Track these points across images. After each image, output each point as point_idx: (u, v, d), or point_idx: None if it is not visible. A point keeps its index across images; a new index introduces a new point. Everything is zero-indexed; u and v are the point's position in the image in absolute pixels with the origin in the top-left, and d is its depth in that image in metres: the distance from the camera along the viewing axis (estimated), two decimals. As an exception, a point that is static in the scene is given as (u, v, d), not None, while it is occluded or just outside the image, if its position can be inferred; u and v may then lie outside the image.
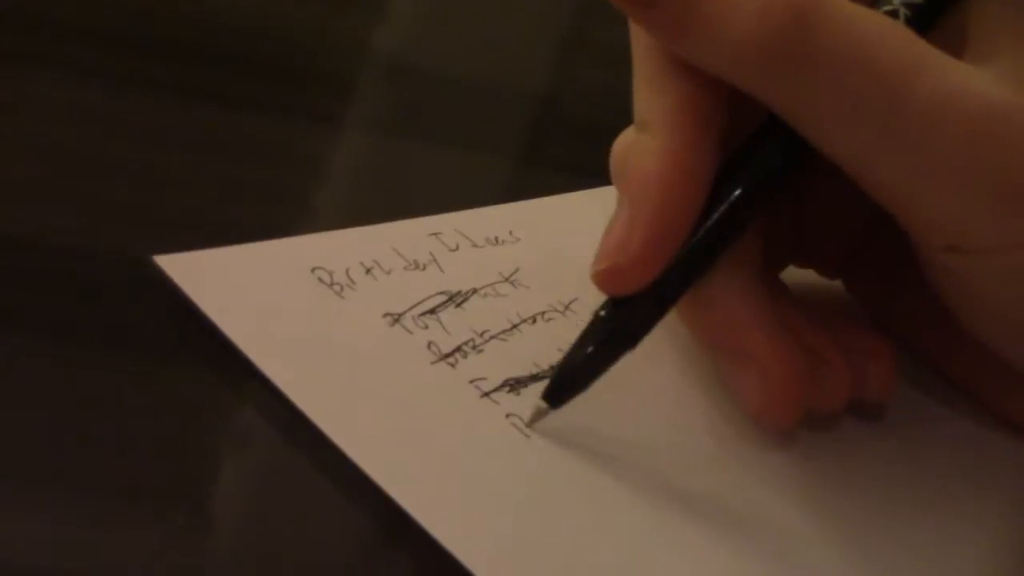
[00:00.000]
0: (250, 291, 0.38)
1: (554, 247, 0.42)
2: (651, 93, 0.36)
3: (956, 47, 0.35)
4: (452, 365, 0.37)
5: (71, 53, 0.47)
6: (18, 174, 0.42)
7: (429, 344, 0.38)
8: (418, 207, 0.42)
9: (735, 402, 0.37)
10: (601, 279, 0.35)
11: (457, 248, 0.41)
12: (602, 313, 0.36)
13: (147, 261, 0.38)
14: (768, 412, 0.36)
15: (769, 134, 0.36)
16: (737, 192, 0.36)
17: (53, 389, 0.35)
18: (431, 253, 0.41)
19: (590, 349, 0.36)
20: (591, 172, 0.45)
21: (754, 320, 0.36)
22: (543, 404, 0.36)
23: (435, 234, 0.41)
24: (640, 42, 0.36)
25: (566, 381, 0.36)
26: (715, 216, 0.35)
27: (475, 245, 0.41)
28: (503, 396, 0.37)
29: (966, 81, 0.33)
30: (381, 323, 0.38)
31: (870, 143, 0.34)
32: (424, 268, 0.40)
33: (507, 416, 0.36)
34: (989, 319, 0.37)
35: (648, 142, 0.35)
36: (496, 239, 0.42)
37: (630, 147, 0.36)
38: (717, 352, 0.37)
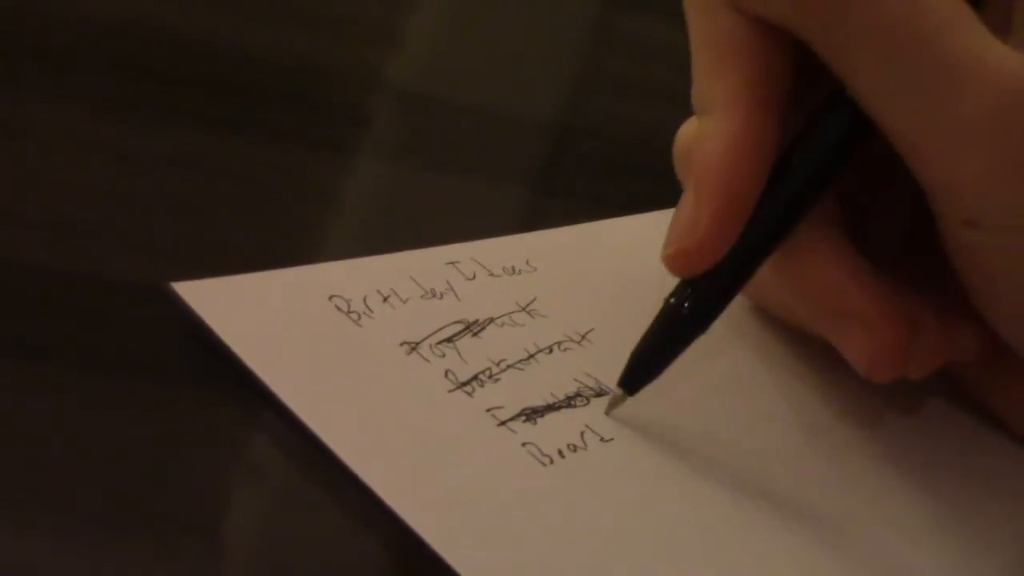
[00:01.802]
0: (267, 318, 0.38)
1: (571, 277, 0.42)
2: (711, 79, 0.37)
3: (999, 34, 0.35)
4: (469, 394, 0.37)
5: (87, 83, 0.47)
6: (35, 203, 0.42)
7: (446, 373, 0.38)
8: (433, 236, 0.42)
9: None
10: (671, 262, 0.36)
11: (474, 277, 0.41)
12: (672, 300, 0.37)
13: (165, 288, 0.38)
14: (877, 366, 0.37)
15: (830, 110, 0.36)
16: (801, 168, 0.36)
17: (67, 416, 0.35)
18: (448, 282, 0.41)
19: (663, 334, 0.37)
20: (606, 202, 0.45)
21: (851, 277, 0.37)
22: (619, 391, 0.37)
23: (452, 263, 0.41)
24: (698, 31, 0.37)
25: (641, 367, 0.37)
26: (780, 194, 0.36)
27: (492, 274, 0.41)
28: (520, 425, 0.37)
29: (1002, 52, 0.34)
30: (398, 351, 0.38)
31: (899, 91, 0.34)
32: (441, 297, 0.40)
33: (523, 445, 0.36)
34: (1005, 308, 0.36)
35: (710, 125, 0.36)
36: (513, 268, 0.42)
37: (693, 133, 0.37)
38: (814, 317, 0.38)
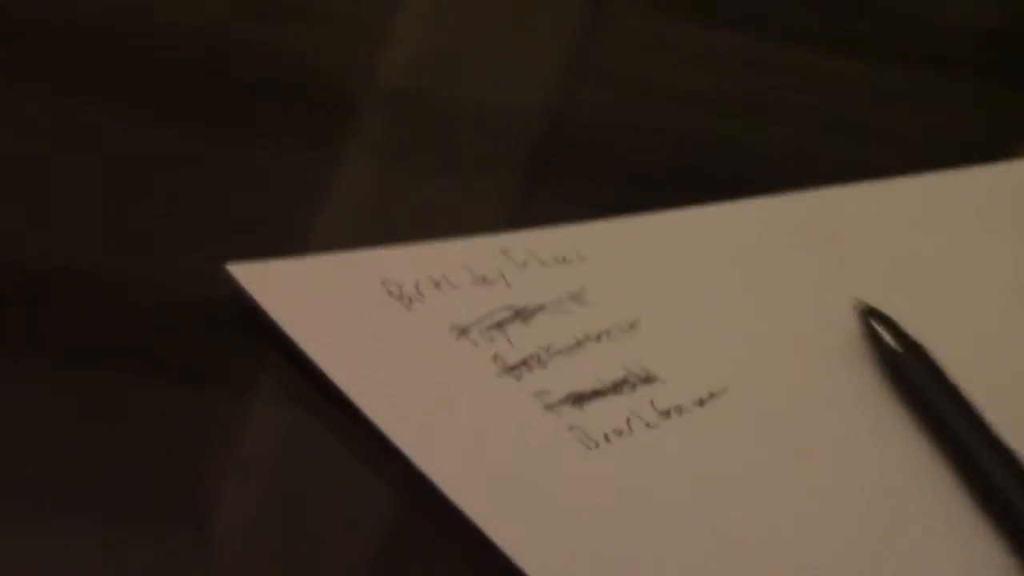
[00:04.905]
0: (319, 301, 0.39)
1: (620, 267, 0.42)
2: None
3: None
4: (517, 378, 0.38)
5: (87, 79, 0.47)
6: (23, 197, 0.42)
7: (495, 357, 0.38)
8: (422, 230, 0.42)
9: None
10: None
11: (525, 265, 0.42)
12: None
13: (146, 281, 0.38)
14: None
15: None
16: None
17: (64, 413, 0.35)
18: (499, 269, 0.41)
19: None
20: (595, 200, 0.45)
21: None
22: None
23: (504, 251, 0.42)
24: None
25: None
26: None
27: (543, 263, 0.42)
28: (566, 409, 0.37)
29: None
30: (448, 336, 0.39)
31: None
32: (492, 284, 0.41)
33: (570, 428, 0.37)
34: None
35: None
36: (564, 258, 0.42)
37: None
38: None
